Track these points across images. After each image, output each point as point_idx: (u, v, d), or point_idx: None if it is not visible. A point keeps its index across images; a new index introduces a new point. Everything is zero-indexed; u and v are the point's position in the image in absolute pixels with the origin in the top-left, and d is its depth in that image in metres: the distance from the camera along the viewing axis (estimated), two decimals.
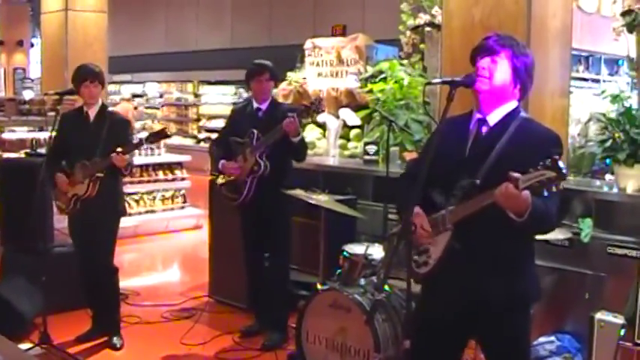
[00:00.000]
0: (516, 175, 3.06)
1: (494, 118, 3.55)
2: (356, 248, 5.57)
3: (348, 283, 5.34)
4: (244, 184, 6.19)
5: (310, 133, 9.00)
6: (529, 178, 3.02)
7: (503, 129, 3.49)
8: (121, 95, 24.54)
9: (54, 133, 6.12)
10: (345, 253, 5.54)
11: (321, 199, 5.74)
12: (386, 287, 5.16)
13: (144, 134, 6.10)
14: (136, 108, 20.15)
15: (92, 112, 6.08)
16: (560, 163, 2.95)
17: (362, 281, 5.33)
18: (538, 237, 3.74)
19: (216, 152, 6.48)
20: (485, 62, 3.51)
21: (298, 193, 5.74)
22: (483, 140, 3.53)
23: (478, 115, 3.59)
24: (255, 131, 6.15)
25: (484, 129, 3.56)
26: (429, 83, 3.93)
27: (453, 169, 3.52)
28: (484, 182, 3.36)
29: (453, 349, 3.81)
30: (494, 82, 3.48)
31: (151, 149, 11.51)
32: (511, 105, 3.57)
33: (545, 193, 3.02)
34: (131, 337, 6.47)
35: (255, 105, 6.40)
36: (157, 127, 20.75)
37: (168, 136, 6.11)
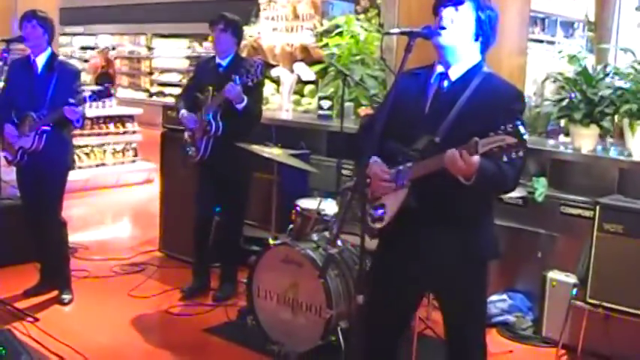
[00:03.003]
0: (475, 139, 2.97)
1: (456, 72, 3.45)
2: (308, 203, 5.50)
3: (300, 239, 5.28)
4: (200, 143, 6.11)
5: (264, 89, 8.87)
6: (488, 142, 2.92)
7: (465, 84, 3.40)
8: (72, 47, 24.17)
9: (1, 83, 5.96)
10: (297, 208, 5.47)
11: (275, 152, 5.65)
12: (338, 242, 5.10)
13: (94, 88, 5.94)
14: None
15: (40, 61, 5.88)
16: (522, 129, 2.86)
17: (314, 236, 5.26)
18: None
19: (179, 105, 6.36)
20: (448, 12, 3.37)
21: (251, 146, 5.64)
22: (444, 95, 3.43)
23: (440, 69, 3.48)
24: (211, 89, 6.02)
25: (445, 83, 3.46)
26: (387, 33, 3.83)
27: (413, 124, 3.43)
28: (444, 139, 3.26)
29: (408, 305, 3.77)
30: (456, 34, 3.37)
31: (102, 102, 11.30)
32: (474, 59, 3.46)
33: (505, 159, 2.93)
34: (80, 291, 6.36)
35: (217, 60, 6.27)
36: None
37: (111, 95, 5.97)
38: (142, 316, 6.03)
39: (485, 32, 3.44)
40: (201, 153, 6.12)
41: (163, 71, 22.14)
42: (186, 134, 6.29)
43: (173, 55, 21.89)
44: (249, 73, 5.68)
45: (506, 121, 2.91)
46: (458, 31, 3.38)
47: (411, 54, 3.16)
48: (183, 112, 6.21)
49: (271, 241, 5.43)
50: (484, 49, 3.50)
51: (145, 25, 22.06)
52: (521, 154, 2.88)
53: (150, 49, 22.65)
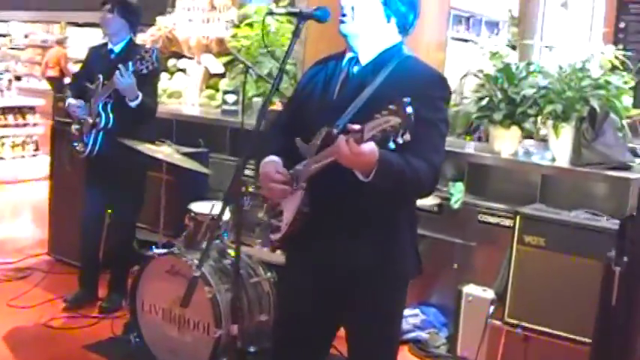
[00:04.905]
0: (356, 126, 2.49)
1: (367, 56, 2.99)
2: (203, 206, 5.00)
3: (191, 246, 4.78)
4: (87, 137, 5.60)
5: (176, 82, 8.39)
6: (373, 127, 2.44)
7: (377, 68, 2.93)
8: None
9: None
10: (190, 212, 4.97)
11: (164, 151, 5.12)
12: (231, 253, 4.61)
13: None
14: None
15: None
16: (409, 109, 2.37)
17: None
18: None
19: (67, 94, 5.86)
20: None
21: (137, 144, 5.10)
22: (353, 81, 2.96)
23: (350, 54, 3.02)
24: (101, 77, 5.52)
25: (355, 68, 3.00)
26: (271, 13, 3.32)
27: (319, 116, 2.95)
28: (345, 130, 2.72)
29: (321, 335, 3.24)
30: (360, 21, 2.91)
31: (0, 91, 10.68)
32: (390, 40, 3.00)
33: (392, 146, 2.43)
34: None
35: (110, 46, 5.77)
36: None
37: None
38: (18, 330, 5.47)
39: (397, 10, 2.96)
40: (89, 148, 5.61)
41: (77, 62, 21.39)
42: (73, 127, 5.77)
43: (88, 44, 21.17)
44: (144, 60, 5.20)
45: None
46: (361, 17, 2.91)
47: (298, 38, 2.69)
48: (70, 100, 5.73)
49: (155, 250, 4.90)
50: (403, 29, 3.03)
51: (58, 12, 21.33)
52: (407, 137, 2.40)
53: (64, 38, 21.96)
